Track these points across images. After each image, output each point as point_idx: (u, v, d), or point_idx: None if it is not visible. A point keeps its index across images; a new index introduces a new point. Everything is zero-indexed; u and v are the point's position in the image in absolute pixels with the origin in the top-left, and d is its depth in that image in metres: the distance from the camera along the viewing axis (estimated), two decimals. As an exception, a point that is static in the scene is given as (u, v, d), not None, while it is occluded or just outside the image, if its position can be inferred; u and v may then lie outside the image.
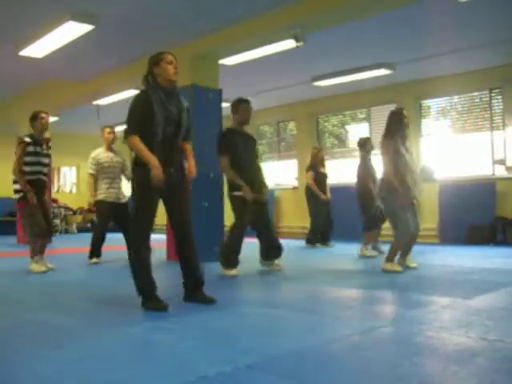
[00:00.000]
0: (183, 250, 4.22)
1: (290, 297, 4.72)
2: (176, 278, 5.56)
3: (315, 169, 9.62)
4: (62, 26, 6.85)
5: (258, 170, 6.12)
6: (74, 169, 17.22)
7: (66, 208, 15.88)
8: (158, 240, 8.71)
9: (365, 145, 8.07)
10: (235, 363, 2.50)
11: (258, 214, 5.98)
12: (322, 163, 9.78)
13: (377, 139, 11.06)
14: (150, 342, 3.04)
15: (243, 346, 2.86)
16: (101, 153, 7.33)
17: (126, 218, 7.08)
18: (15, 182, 6.23)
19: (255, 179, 5.96)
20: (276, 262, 6.22)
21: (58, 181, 17.23)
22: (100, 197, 7.23)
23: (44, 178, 6.36)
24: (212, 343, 2.95)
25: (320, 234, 9.62)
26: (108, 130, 7.42)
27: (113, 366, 2.54)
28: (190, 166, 4.13)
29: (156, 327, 3.41)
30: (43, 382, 2.35)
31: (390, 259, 5.88)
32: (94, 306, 4.23)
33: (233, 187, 5.90)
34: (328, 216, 9.50)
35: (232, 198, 5.91)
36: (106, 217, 7.29)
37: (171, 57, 3.98)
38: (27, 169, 6.15)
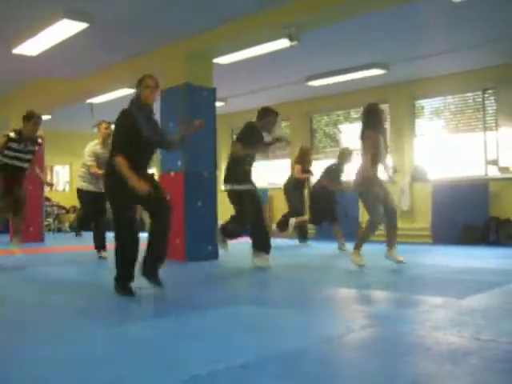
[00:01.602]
0: (159, 224, 4.52)
1: (283, 295, 4.71)
2: (167, 277, 5.54)
3: (303, 163, 9.68)
4: (55, 24, 6.81)
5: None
6: (67, 167, 17.16)
7: (59, 207, 15.82)
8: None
9: (348, 156, 8.69)
10: (228, 362, 2.50)
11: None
12: (309, 162, 9.84)
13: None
14: (142, 341, 3.03)
15: (236, 345, 2.85)
16: (97, 145, 7.52)
17: (101, 209, 7.40)
18: None
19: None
20: (266, 256, 6.38)
21: (51, 179, 17.16)
22: (86, 187, 7.45)
23: (18, 171, 6.68)
24: (205, 342, 2.94)
25: (299, 232, 9.92)
26: (105, 125, 7.59)
27: (105, 365, 2.53)
28: None
29: (148, 326, 3.40)
30: (34, 381, 2.33)
31: (356, 246, 6.12)
32: (85, 305, 4.21)
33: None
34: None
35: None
36: (90, 204, 7.45)
37: (149, 81, 4.51)
38: (4, 160, 6.54)
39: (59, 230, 15.48)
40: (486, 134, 10.05)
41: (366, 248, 7.80)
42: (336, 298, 4.58)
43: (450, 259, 7.20)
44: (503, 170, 9.67)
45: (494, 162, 9.85)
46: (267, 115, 6.39)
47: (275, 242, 9.86)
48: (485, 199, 9.62)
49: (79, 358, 2.66)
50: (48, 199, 14.82)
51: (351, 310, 3.95)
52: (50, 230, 14.69)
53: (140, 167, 4.46)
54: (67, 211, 16.03)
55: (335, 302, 4.38)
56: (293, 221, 9.51)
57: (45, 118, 12.09)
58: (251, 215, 6.20)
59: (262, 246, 6.34)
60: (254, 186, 6.37)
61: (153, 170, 13.88)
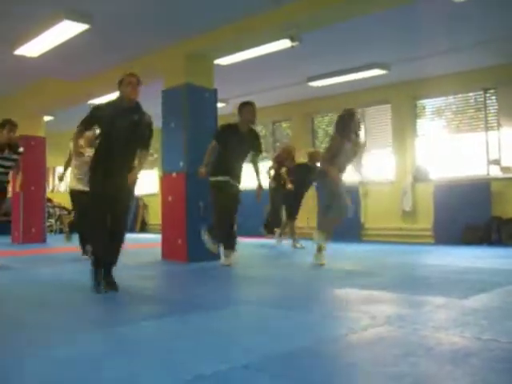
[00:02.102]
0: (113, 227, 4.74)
1: (284, 295, 4.69)
2: (170, 278, 5.56)
3: (282, 164, 9.78)
4: (56, 25, 6.82)
5: (240, 168, 6.68)
6: (69, 169, 17.12)
7: (61, 208, 15.80)
8: (153, 240, 8.71)
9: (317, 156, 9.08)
10: (231, 363, 2.49)
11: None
12: (291, 160, 9.88)
13: (371, 139, 11.16)
14: (144, 341, 3.02)
15: (239, 346, 2.84)
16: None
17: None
18: None
19: (234, 174, 6.58)
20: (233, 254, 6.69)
21: (53, 180, 17.16)
22: (76, 187, 7.76)
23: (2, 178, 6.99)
24: (208, 343, 2.93)
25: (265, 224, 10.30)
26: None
27: (107, 366, 2.52)
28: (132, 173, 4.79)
29: (150, 326, 3.40)
30: (34, 381, 2.33)
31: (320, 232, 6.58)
32: (87, 305, 4.21)
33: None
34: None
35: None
36: (83, 204, 7.41)
37: (130, 79, 4.74)
38: None
39: (61, 231, 15.47)
40: (487, 134, 10.04)
41: (366, 248, 7.82)
42: (337, 297, 4.57)
43: (452, 259, 7.19)
44: (505, 169, 9.66)
45: (496, 162, 9.85)
46: (242, 108, 6.66)
47: (272, 241, 9.95)
48: (487, 199, 9.61)
49: (79, 358, 2.66)
50: (50, 200, 14.82)
51: (352, 310, 3.94)
52: (51, 230, 14.68)
53: (114, 165, 4.68)
54: (69, 212, 16.01)
55: (336, 301, 4.37)
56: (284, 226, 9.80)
57: (47, 119, 12.15)
58: (223, 207, 6.44)
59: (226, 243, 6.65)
60: (232, 181, 6.52)
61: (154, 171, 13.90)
